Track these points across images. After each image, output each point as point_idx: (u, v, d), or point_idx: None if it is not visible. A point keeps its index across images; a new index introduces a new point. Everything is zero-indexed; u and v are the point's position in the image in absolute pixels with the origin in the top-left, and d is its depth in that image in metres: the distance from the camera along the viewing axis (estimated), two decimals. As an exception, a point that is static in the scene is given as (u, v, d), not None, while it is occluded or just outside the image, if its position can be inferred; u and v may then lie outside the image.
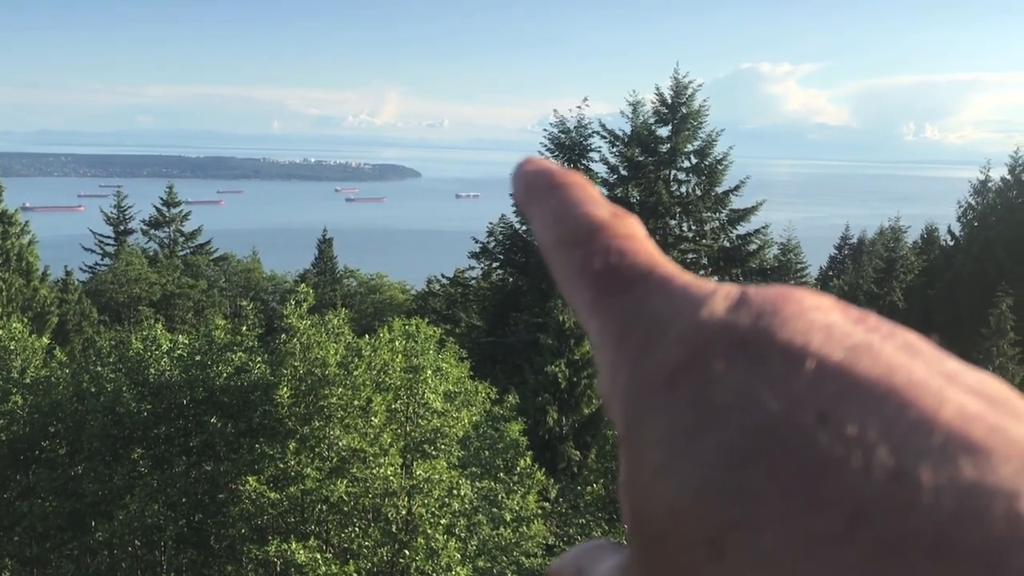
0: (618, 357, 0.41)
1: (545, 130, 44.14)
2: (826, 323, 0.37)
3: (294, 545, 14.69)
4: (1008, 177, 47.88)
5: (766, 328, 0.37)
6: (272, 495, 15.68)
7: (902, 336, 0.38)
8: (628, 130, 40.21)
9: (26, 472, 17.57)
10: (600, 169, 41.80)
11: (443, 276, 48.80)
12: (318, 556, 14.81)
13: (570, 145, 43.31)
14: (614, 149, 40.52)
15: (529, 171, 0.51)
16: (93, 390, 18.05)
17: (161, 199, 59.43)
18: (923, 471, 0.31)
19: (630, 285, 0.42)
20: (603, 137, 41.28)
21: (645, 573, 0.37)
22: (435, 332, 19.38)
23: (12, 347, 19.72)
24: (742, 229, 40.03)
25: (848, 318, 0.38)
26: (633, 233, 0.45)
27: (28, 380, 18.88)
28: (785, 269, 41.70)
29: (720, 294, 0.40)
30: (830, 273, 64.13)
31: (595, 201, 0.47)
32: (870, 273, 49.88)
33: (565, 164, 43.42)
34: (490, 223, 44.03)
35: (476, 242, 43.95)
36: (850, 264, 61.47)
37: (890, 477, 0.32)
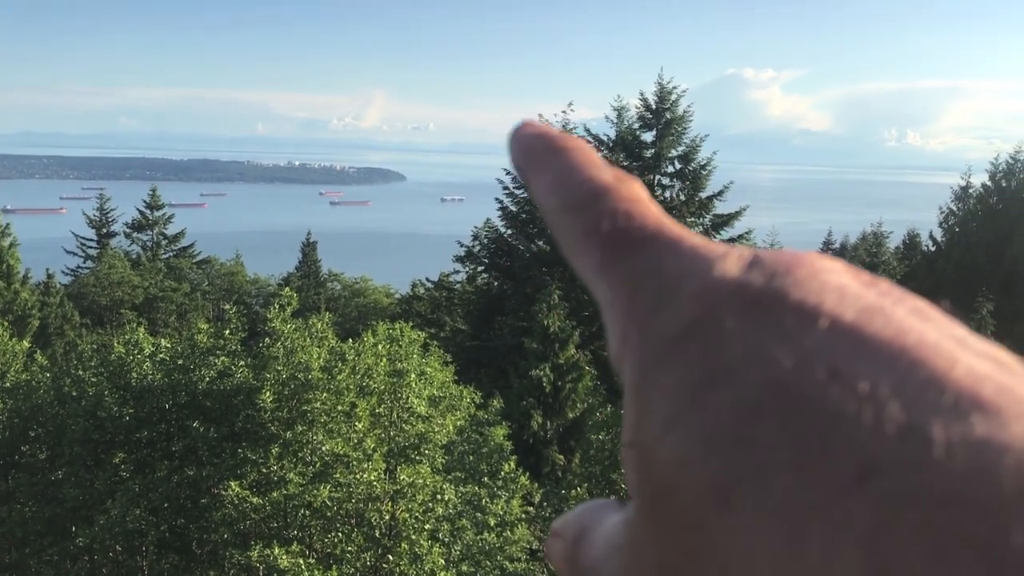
0: (629, 316, 0.41)
1: (530, 134, 44.22)
2: (839, 284, 0.38)
3: (277, 550, 14.62)
4: (989, 183, 48.31)
5: (779, 288, 0.37)
6: (255, 500, 15.61)
7: (913, 301, 0.38)
8: (613, 135, 40.36)
9: (5, 477, 17.46)
10: (585, 174, 41.90)
11: (428, 280, 48.80)
12: (301, 561, 14.76)
13: (555, 150, 43.37)
14: (599, 154, 40.57)
15: (528, 134, 0.50)
16: (74, 394, 17.92)
17: (144, 202, 59.16)
18: (935, 427, 0.31)
19: (639, 246, 0.42)
20: (588, 141, 40.90)
21: (652, 527, 0.37)
22: (419, 336, 19.34)
23: (-8, 351, 19.56)
24: (726, 234, 40.17)
25: (860, 282, 0.39)
26: (638, 196, 0.45)
27: (8, 384, 18.73)
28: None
29: (732, 255, 0.40)
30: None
31: (597, 164, 0.47)
32: (852, 278, 50.06)
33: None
34: (475, 227, 44.06)
35: (461, 246, 43.95)
36: (833, 269, 61.72)
37: (901, 432, 0.32)
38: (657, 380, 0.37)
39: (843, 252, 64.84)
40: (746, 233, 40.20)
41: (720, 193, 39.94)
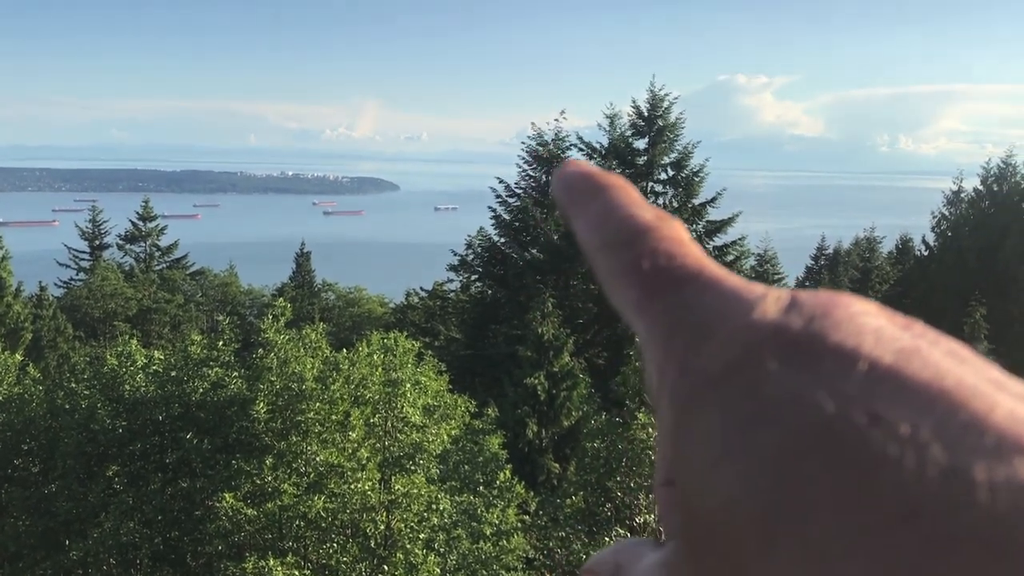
0: (667, 354, 0.41)
1: (523, 143, 44.32)
2: (876, 327, 0.38)
3: (272, 562, 14.55)
4: (980, 188, 48.52)
5: (818, 330, 0.37)
6: (249, 511, 15.54)
7: (948, 343, 0.38)
8: (606, 143, 40.44)
9: (-2, 491, 17.34)
10: (578, 181, 41.98)
11: (422, 289, 48.77)
12: (296, 573, 14.70)
13: (548, 158, 43.44)
14: (592, 161, 40.66)
15: (571, 173, 0.50)
16: (67, 407, 17.85)
17: (137, 213, 59.06)
18: (977, 469, 0.31)
19: (679, 285, 0.43)
20: (581, 150, 41.51)
21: (694, 567, 0.37)
22: (413, 345, 19.31)
23: (-16, 364, 19.47)
24: (719, 240, 40.25)
25: (895, 323, 0.39)
26: (679, 236, 0.46)
27: (0, 398, 18.64)
28: (762, 280, 41.78)
29: (771, 297, 0.40)
30: (807, 284, 64.58)
31: (639, 203, 0.48)
32: (846, 283, 50.33)
33: (543, 177, 43.63)
34: (468, 236, 44.09)
35: (455, 255, 43.98)
36: (826, 274, 61.93)
37: (944, 475, 0.32)
38: (699, 418, 0.38)
39: (836, 257, 65.01)
40: (739, 239, 40.29)
41: (713, 199, 40.04)
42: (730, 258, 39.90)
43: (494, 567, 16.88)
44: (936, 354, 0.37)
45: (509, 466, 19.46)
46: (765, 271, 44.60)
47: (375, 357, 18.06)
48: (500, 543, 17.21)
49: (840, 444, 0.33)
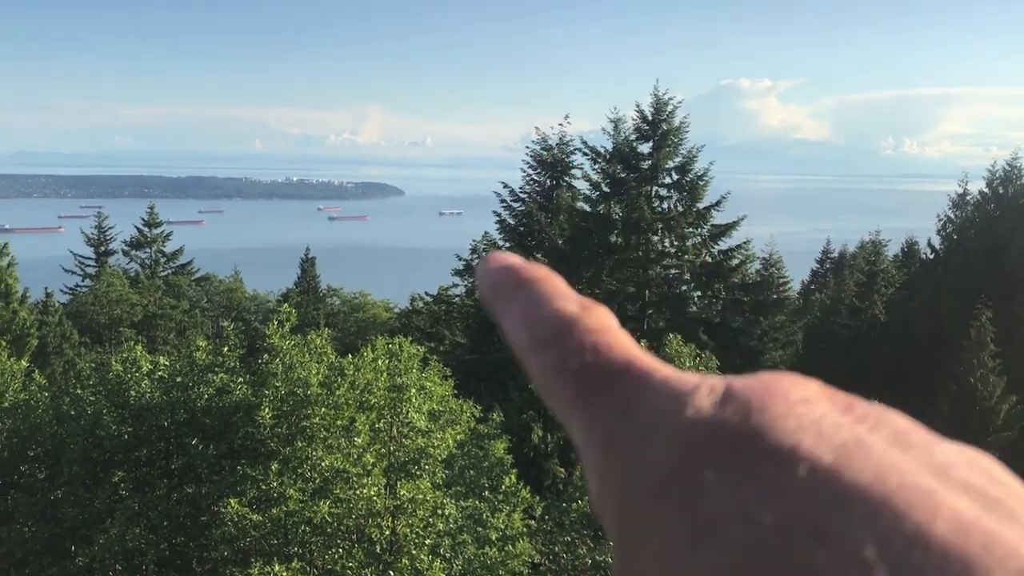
0: (606, 461, 0.39)
1: (527, 148, 44.33)
2: (814, 419, 0.37)
3: (277, 567, 14.55)
4: (986, 190, 48.31)
5: (755, 428, 0.36)
6: (254, 517, 15.53)
7: (890, 424, 0.37)
8: (610, 147, 40.41)
9: (4, 497, 17.37)
10: (582, 186, 41.98)
11: (427, 294, 48.78)
12: (301, 578, 14.69)
13: (552, 162, 43.44)
14: (596, 166, 40.69)
15: (493, 269, 0.49)
16: (73, 413, 17.87)
17: (142, 219, 59.17)
18: None
19: (610, 383, 0.41)
20: (585, 154, 41.46)
21: None
22: (419, 351, 19.29)
23: (-10, 371, 19.53)
24: (724, 244, 40.18)
25: (836, 407, 0.37)
26: (605, 326, 0.44)
27: (6, 404, 18.70)
28: (767, 283, 41.91)
29: (703, 389, 0.39)
30: (812, 287, 64.50)
31: (563, 295, 0.46)
32: (852, 287, 50.17)
33: (548, 182, 43.63)
34: (473, 240, 44.11)
35: (459, 259, 43.98)
36: (832, 278, 61.82)
37: None
38: (639, 537, 0.36)
39: (842, 260, 64.88)
40: (744, 243, 40.23)
41: (718, 203, 39.97)
42: (735, 262, 39.85)
43: (500, 572, 16.85)
44: (879, 444, 0.36)
45: (514, 471, 19.43)
46: (771, 275, 44.51)
47: (380, 362, 18.05)
48: (506, 548, 17.18)
49: (781, 565, 0.32)
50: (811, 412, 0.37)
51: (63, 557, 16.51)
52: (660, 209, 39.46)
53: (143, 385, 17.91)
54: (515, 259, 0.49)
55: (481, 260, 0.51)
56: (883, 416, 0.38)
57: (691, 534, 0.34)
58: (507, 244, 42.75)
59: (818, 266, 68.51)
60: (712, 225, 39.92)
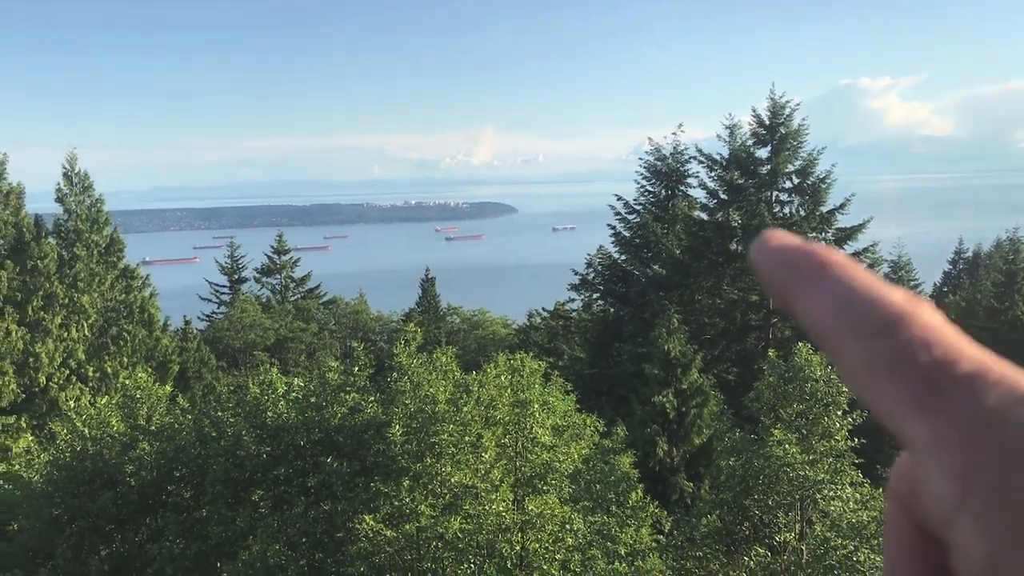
0: (973, 467, 0.37)
1: (641, 158, 44.04)
2: None
3: (412, 582, 14.81)
4: None
5: None
6: (388, 533, 15.83)
7: None
8: (726, 153, 39.68)
9: (155, 516, 18.19)
10: (699, 194, 41.40)
11: (544, 309, 48.90)
12: (435, 593, 14.89)
13: (666, 172, 43.03)
14: (712, 173, 40.01)
15: (784, 248, 0.46)
16: (214, 434, 18.65)
17: (271, 247, 61.54)
18: None
19: (967, 384, 0.39)
20: (700, 162, 40.84)
21: None
22: (540, 366, 19.37)
23: (138, 395, 20.56)
24: (850, 248, 38.87)
25: None
26: (941, 322, 0.42)
27: (154, 427, 19.60)
28: (896, 287, 40.15)
29: None
30: (944, 289, 61.60)
31: (881, 284, 0.44)
32: (989, 287, 47.63)
33: (663, 192, 43.20)
34: (588, 254, 44.01)
35: (575, 274, 43.96)
36: (966, 279, 58.93)
37: None
38: None
39: (976, 260, 61.75)
40: (871, 246, 38.81)
41: (842, 206, 38.69)
42: (863, 265, 38.43)
43: (630, 587, 16.69)
44: None
45: (641, 485, 19.24)
46: (900, 278, 42.71)
47: (503, 378, 18.19)
48: (635, 564, 17.00)
49: None
50: None
51: (210, 573, 17.20)
52: (781, 214, 38.48)
53: (279, 406, 18.55)
54: (801, 240, 0.47)
55: (760, 240, 0.48)
56: None
57: None
58: (623, 256, 42.50)
59: (950, 267, 65.45)
60: (837, 229, 38.67)
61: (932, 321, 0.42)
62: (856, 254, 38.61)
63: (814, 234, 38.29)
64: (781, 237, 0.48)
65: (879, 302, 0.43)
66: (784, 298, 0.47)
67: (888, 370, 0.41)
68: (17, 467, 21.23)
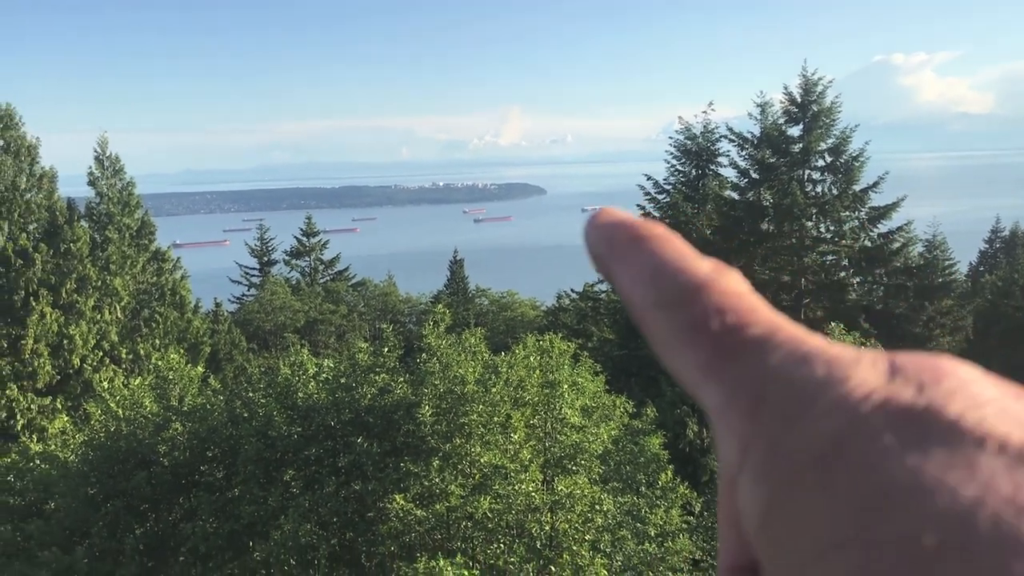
0: (752, 427, 0.38)
1: (671, 138, 43.65)
2: (991, 398, 0.35)
3: (442, 562, 14.84)
4: None
5: (932, 402, 0.34)
6: (419, 513, 15.89)
7: None
8: (757, 132, 39.21)
9: (188, 495, 18.40)
10: (730, 173, 40.98)
11: (572, 291, 48.77)
12: (466, 572, 14.91)
13: (697, 151, 42.61)
14: (743, 152, 39.57)
15: (609, 223, 0.47)
16: (246, 415, 18.79)
17: (301, 229, 61.85)
18: None
19: (754, 347, 0.39)
20: (731, 141, 40.40)
21: None
22: (569, 347, 19.30)
23: (171, 377, 20.75)
24: (883, 227, 38.33)
25: (1009, 394, 0.35)
26: (742, 289, 0.43)
27: (186, 408, 19.80)
28: (931, 266, 39.62)
29: (866, 362, 0.37)
30: (981, 268, 60.65)
31: (691, 254, 0.44)
32: (1027, 267, 46.83)
33: (693, 172, 42.80)
34: (618, 235, 43.73)
35: (605, 255, 43.73)
36: (1003, 258, 57.95)
37: None
38: (800, 501, 0.34)
39: (1014, 239, 60.75)
40: (905, 225, 38.25)
41: (875, 184, 38.12)
42: (896, 245, 37.93)
43: (660, 568, 16.63)
44: None
45: (671, 466, 19.16)
46: (935, 257, 42.00)
47: (532, 359, 18.14)
48: (665, 544, 16.94)
49: (984, 542, 0.29)
50: (984, 391, 0.35)
51: (242, 552, 17.38)
52: (813, 193, 38.01)
53: (310, 387, 18.65)
54: (629, 215, 0.47)
55: (590, 216, 0.49)
56: None
57: (866, 501, 0.32)
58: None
59: (987, 246, 64.42)
60: (870, 208, 38.13)
61: (731, 288, 0.42)
62: (890, 233, 38.10)
63: (847, 213, 37.81)
64: (609, 213, 0.48)
65: (683, 272, 0.43)
66: (602, 271, 0.47)
67: (685, 338, 0.41)
68: (53, 447, 21.50)
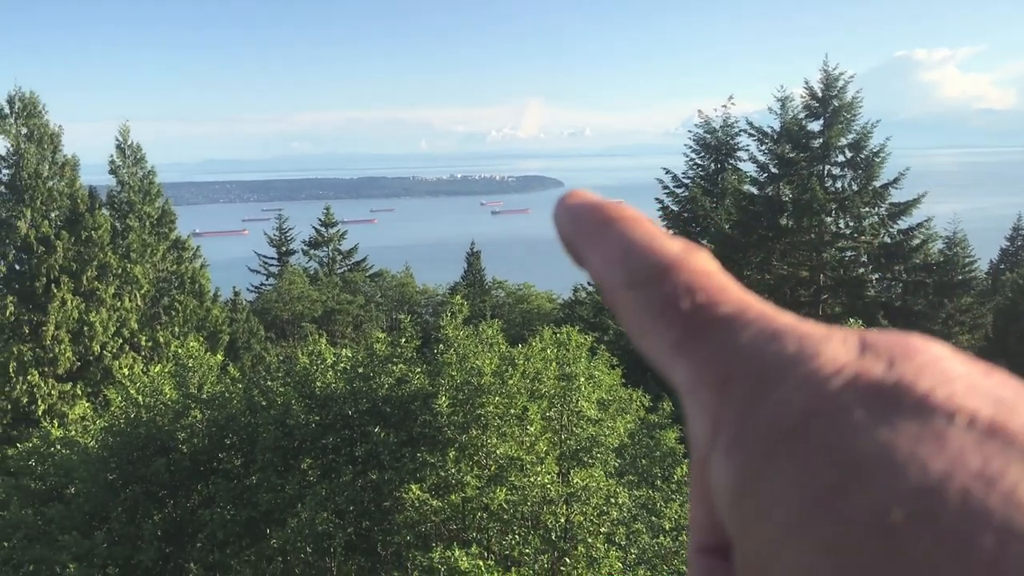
0: (722, 403, 0.37)
1: (690, 132, 43.52)
2: (961, 373, 0.35)
3: (457, 552, 14.92)
4: None
5: (902, 377, 0.34)
6: (434, 503, 15.98)
7: None
8: (777, 126, 39.02)
9: (206, 482, 18.54)
10: (749, 168, 40.80)
11: (589, 284, 48.73)
12: (480, 563, 14.99)
13: (716, 145, 42.49)
14: (763, 146, 39.37)
15: (578, 205, 0.47)
16: (264, 403, 18.92)
17: (319, 220, 62.09)
18: None
19: (725, 325, 0.39)
20: (751, 135, 40.20)
21: None
22: (586, 340, 19.31)
23: (190, 364, 20.88)
24: (903, 223, 38.10)
25: (979, 371, 0.35)
26: (711, 268, 0.42)
27: (205, 396, 19.92)
28: (951, 263, 39.34)
29: (836, 338, 0.37)
30: (1002, 266, 60.14)
31: (660, 235, 0.44)
32: (1049, 265, 46.46)
33: (712, 166, 42.65)
34: (636, 229, 43.65)
35: (623, 248, 43.66)
36: (1025, 256, 57.47)
37: None
38: (769, 478, 0.34)
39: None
40: (925, 221, 38.00)
41: (896, 181, 37.87)
42: (916, 241, 37.69)
43: (674, 562, 16.66)
44: None
45: (687, 461, 19.14)
46: (955, 254, 41.71)
47: (549, 352, 18.17)
48: (680, 538, 16.96)
49: (956, 516, 0.29)
50: (954, 368, 0.35)
51: (259, 539, 17.53)
52: (833, 189, 37.80)
53: (327, 376, 18.75)
54: (600, 197, 0.47)
55: (559, 199, 0.49)
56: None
57: (841, 474, 0.32)
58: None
59: (1008, 244, 63.84)
60: (890, 204, 37.91)
61: (701, 267, 0.42)
62: (910, 229, 37.86)
63: (867, 209, 37.59)
64: (578, 195, 0.48)
65: (653, 252, 0.43)
66: (572, 254, 0.47)
67: (656, 317, 0.41)
68: (74, 433, 21.70)
